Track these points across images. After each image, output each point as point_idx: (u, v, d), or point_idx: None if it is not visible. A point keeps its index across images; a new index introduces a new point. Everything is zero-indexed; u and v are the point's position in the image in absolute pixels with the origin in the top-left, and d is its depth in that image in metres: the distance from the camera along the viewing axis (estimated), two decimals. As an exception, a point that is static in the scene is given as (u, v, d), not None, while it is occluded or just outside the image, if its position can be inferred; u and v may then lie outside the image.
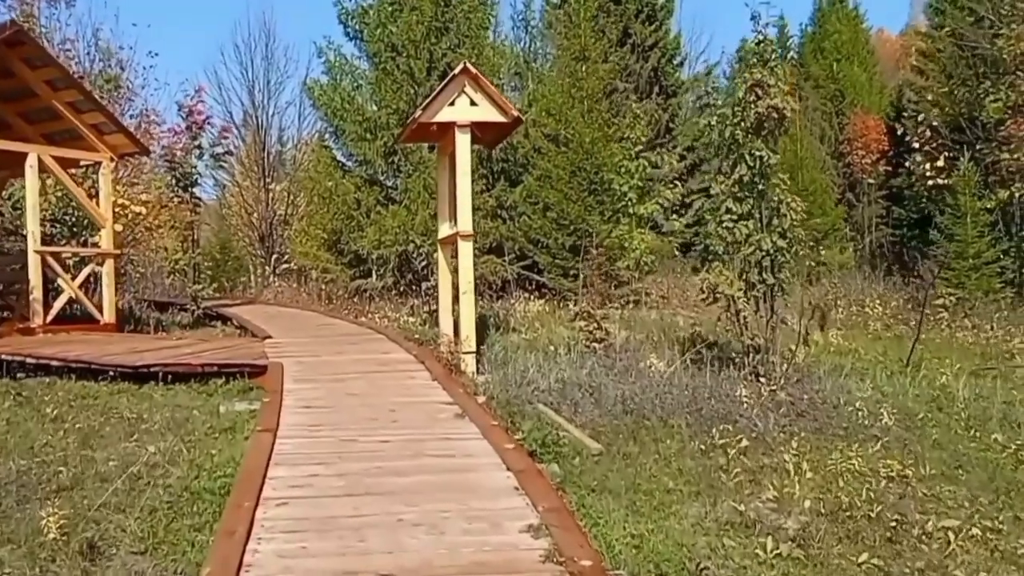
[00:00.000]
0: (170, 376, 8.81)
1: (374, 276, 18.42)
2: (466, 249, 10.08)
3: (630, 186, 18.28)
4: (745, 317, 10.12)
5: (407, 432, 6.38)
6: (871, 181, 29.33)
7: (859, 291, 19.81)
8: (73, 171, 13.75)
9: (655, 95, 27.28)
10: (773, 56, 10.79)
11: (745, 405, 8.82)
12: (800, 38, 41.77)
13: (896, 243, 29.13)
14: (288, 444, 6.14)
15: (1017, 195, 21.09)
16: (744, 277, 10.22)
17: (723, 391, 9.17)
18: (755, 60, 10.81)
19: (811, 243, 30.27)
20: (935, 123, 25.43)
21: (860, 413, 8.28)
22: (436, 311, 13.53)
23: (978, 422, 8.40)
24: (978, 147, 22.66)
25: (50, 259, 12.42)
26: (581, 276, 17.92)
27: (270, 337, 11.07)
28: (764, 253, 10.02)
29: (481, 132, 10.72)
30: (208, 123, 15.14)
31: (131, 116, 18.53)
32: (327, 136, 20.74)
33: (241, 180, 28.81)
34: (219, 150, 15.65)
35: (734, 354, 10.31)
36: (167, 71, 49.83)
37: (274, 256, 25.10)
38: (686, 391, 9.07)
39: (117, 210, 14.78)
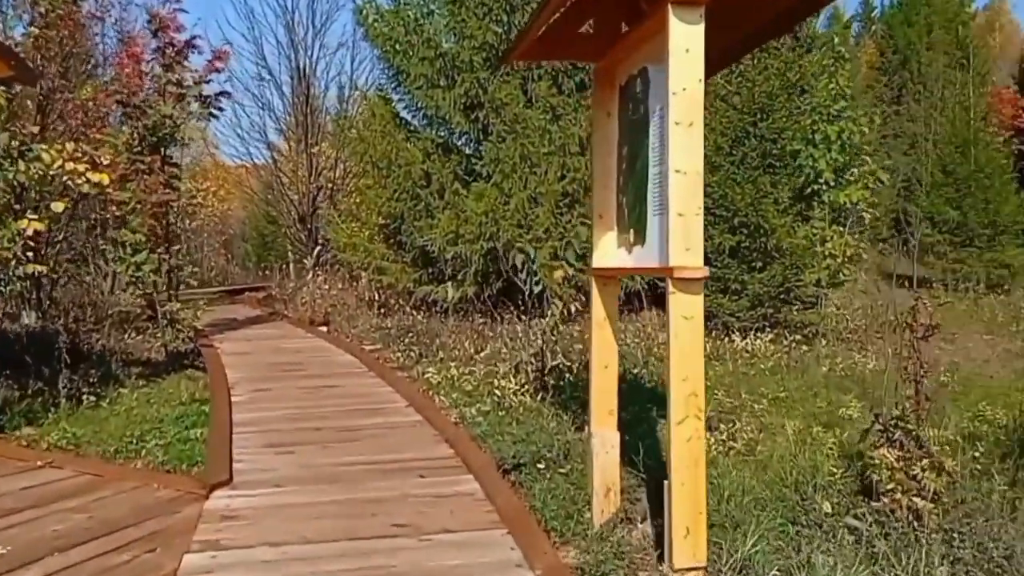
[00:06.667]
0: None
1: (449, 285, 12.80)
2: (687, 309, 4.09)
3: (827, 161, 12.48)
4: None
5: None
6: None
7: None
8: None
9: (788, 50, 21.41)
10: None
11: None
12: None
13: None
14: None
15: None
16: None
17: None
18: None
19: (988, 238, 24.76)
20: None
21: None
22: (576, 374, 8.09)
23: None
24: None
25: None
26: (751, 293, 12.15)
27: (221, 485, 5.09)
28: None
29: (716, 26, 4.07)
30: (193, 47, 9.65)
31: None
32: (385, 85, 15.08)
33: (284, 143, 23.39)
34: (208, 91, 9.99)
35: None
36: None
37: (317, 247, 19.53)
38: None
39: (67, 179, 9.22)
